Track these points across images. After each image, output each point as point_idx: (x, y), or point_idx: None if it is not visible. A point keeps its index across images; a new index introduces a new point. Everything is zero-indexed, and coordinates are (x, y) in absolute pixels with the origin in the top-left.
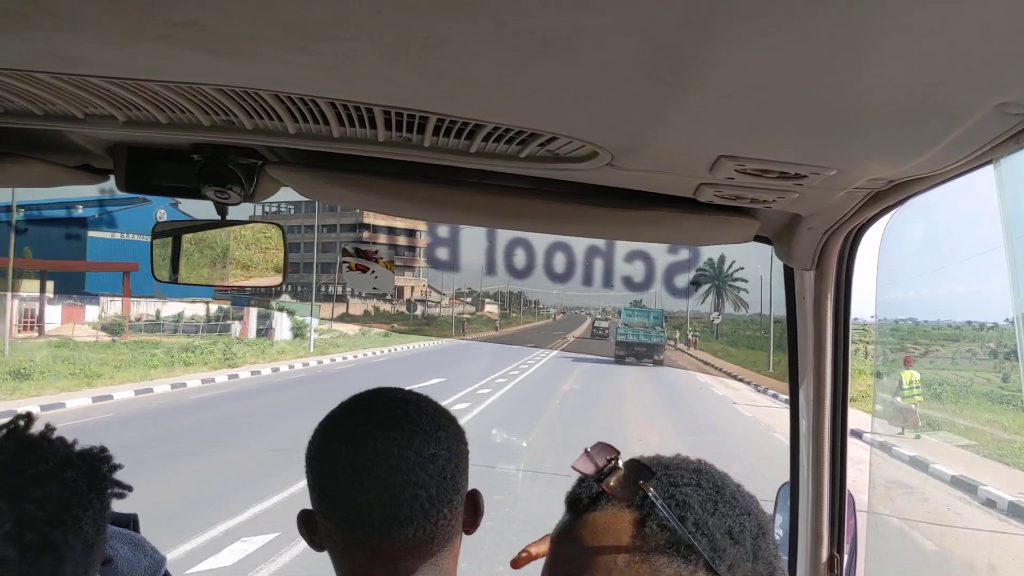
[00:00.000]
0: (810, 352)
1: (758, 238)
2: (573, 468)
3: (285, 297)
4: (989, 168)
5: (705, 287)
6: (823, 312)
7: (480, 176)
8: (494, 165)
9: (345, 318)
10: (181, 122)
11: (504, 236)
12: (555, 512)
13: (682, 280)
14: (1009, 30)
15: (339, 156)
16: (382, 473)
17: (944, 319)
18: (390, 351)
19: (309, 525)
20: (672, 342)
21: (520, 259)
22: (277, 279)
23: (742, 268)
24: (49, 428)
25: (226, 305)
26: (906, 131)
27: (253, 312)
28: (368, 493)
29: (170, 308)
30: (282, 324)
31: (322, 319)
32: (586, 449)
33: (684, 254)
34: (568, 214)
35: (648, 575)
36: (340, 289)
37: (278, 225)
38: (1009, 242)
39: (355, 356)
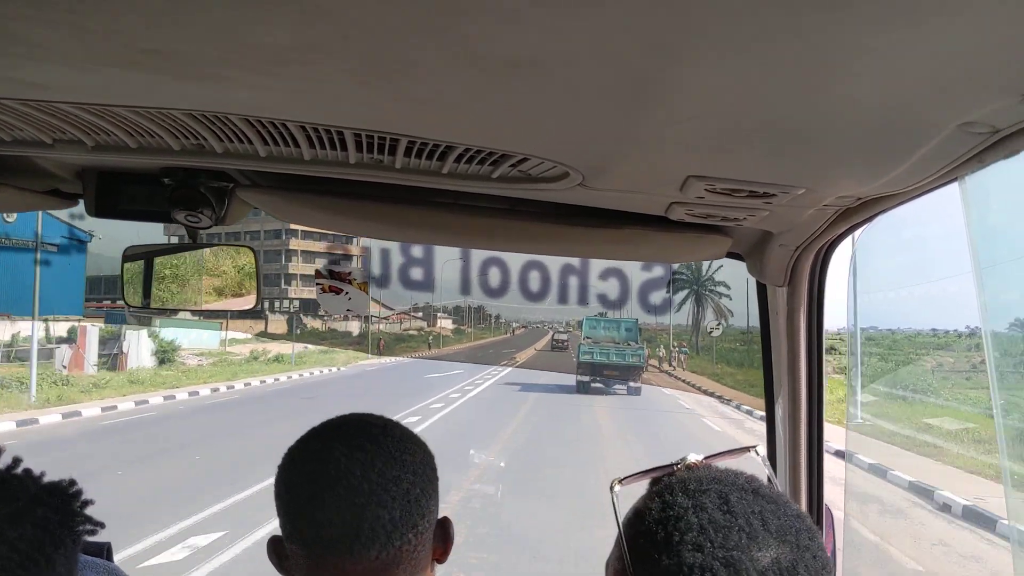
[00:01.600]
0: (784, 368)
1: (731, 255)
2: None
3: (186, 314)
4: (955, 185)
5: (682, 294)
6: (796, 328)
7: (453, 196)
8: (467, 186)
9: (263, 337)
10: (151, 146)
11: (454, 250)
12: None
13: (656, 296)
14: (971, 52)
15: (311, 178)
16: (343, 492)
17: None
18: (261, 382)
19: (278, 551)
20: (655, 361)
21: (478, 274)
22: (251, 302)
23: (721, 267)
24: (16, 461)
25: (99, 324)
26: (873, 150)
27: (94, 332)
28: (329, 511)
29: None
30: (140, 347)
31: (227, 341)
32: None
33: (658, 270)
34: (541, 234)
35: None
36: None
37: (250, 248)
38: (975, 257)
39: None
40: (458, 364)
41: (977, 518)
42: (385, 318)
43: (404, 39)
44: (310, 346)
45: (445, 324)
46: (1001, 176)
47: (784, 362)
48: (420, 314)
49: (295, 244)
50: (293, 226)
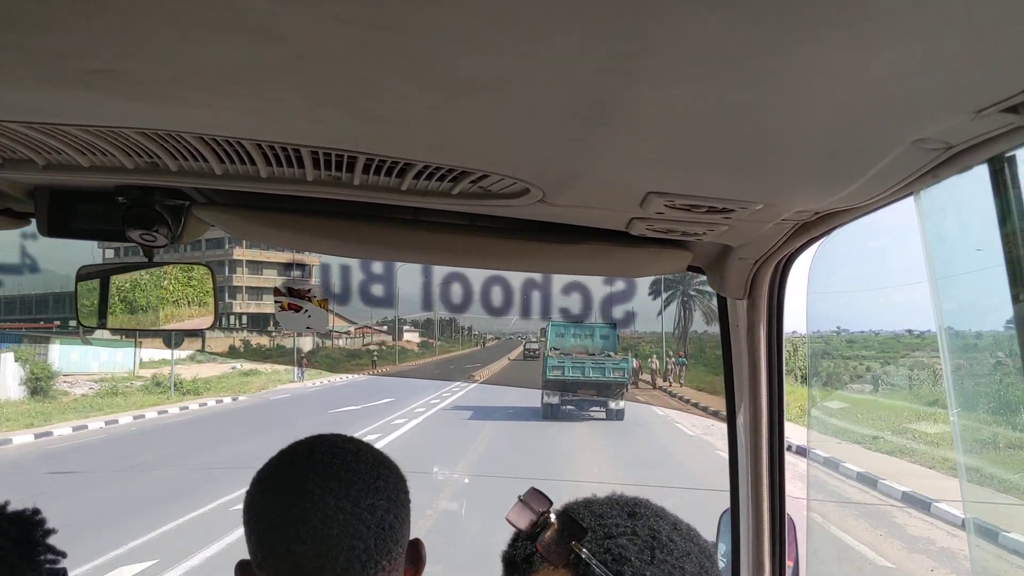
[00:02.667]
0: (745, 379)
1: (691, 268)
2: (507, 521)
3: (104, 333)
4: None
5: (665, 296)
6: (757, 340)
7: (413, 213)
8: (426, 202)
9: (200, 356)
10: (103, 165)
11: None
12: None
13: (621, 309)
14: (924, 70)
15: (268, 196)
16: (318, 524)
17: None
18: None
19: None
20: (648, 376)
21: (441, 288)
22: (208, 321)
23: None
24: None
25: None
26: (829, 167)
27: None
28: (304, 543)
29: None
30: (3, 374)
31: (143, 363)
32: (519, 497)
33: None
34: (502, 249)
35: None
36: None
37: (207, 266)
38: (931, 268)
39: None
40: (406, 384)
41: (913, 501)
42: (346, 333)
43: (360, 60)
44: (244, 365)
45: (411, 338)
46: (955, 190)
47: (745, 374)
48: (385, 328)
49: (239, 254)
50: None
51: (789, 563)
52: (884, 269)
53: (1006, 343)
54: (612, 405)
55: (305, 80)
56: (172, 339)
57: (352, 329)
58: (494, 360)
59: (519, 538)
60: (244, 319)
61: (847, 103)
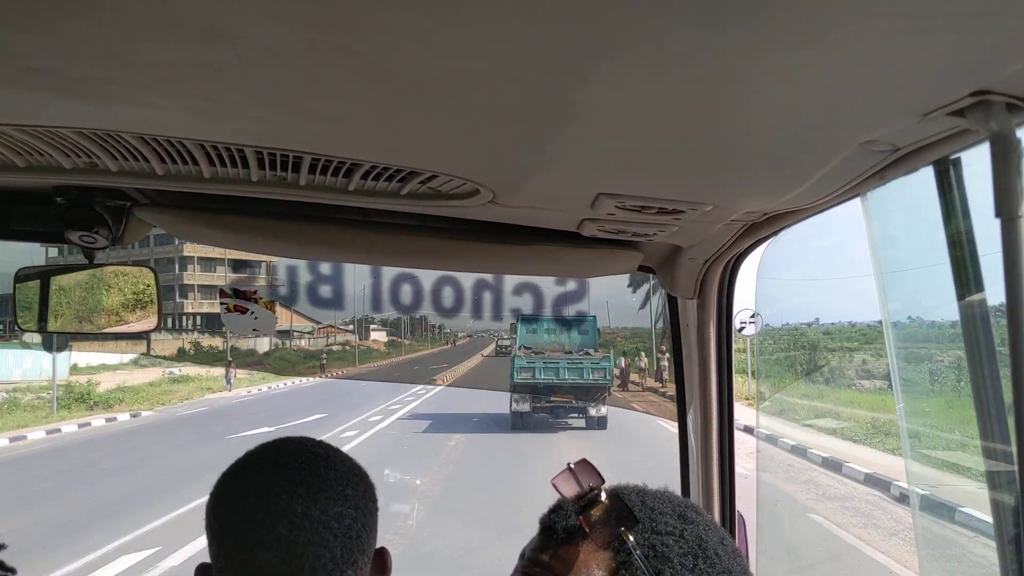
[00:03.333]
0: (695, 378)
1: (642, 268)
2: (552, 485)
3: (35, 337)
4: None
5: (652, 283)
6: (706, 339)
7: (363, 214)
8: (375, 203)
9: (144, 360)
10: (40, 165)
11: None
12: None
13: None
14: (871, 73)
15: (212, 196)
16: (284, 531)
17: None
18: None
19: None
20: (636, 376)
21: (408, 288)
22: (152, 323)
23: None
24: None
25: None
26: (778, 168)
27: None
28: (268, 551)
29: None
30: None
31: (82, 367)
32: (569, 465)
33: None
34: (453, 250)
35: None
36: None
37: (150, 268)
38: (878, 268)
39: None
40: (357, 391)
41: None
42: (308, 333)
43: (303, 59)
44: (184, 370)
45: (379, 337)
46: (902, 192)
47: (695, 372)
48: (351, 327)
49: (190, 250)
50: None
51: None
52: (831, 265)
53: (949, 339)
54: (592, 412)
55: (247, 79)
56: (54, 343)
57: (314, 329)
58: (465, 358)
59: (562, 507)
60: (197, 319)
61: (796, 106)
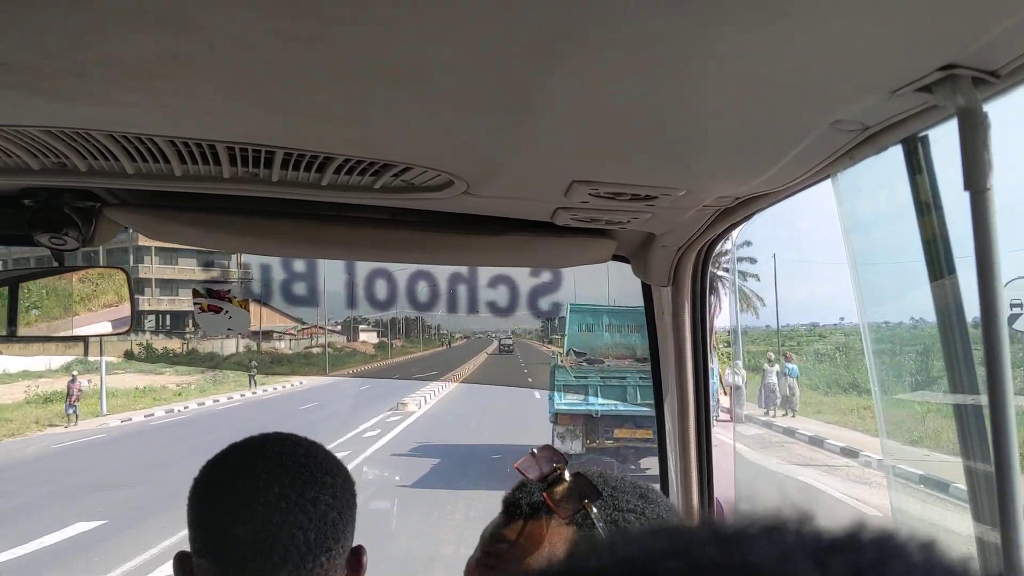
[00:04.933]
0: (672, 366)
1: (616, 257)
2: (516, 468)
3: None
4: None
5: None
6: (682, 326)
7: (337, 209)
8: (348, 197)
9: (78, 365)
10: (7, 166)
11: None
12: None
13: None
14: (839, 51)
15: (184, 194)
16: (260, 508)
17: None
18: None
19: (184, 568)
20: (725, 396)
21: (400, 286)
22: (125, 326)
23: (748, 244)
24: None
25: None
26: (748, 150)
27: None
28: (244, 528)
29: None
30: None
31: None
32: (532, 450)
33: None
34: (428, 243)
35: None
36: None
37: (122, 269)
38: (850, 250)
39: None
40: (308, 411)
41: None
42: (287, 333)
43: (274, 49)
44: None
45: (369, 338)
46: (871, 172)
47: (671, 360)
48: (339, 327)
49: (148, 240)
50: None
51: None
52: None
53: (920, 318)
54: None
55: (218, 71)
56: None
57: (299, 329)
58: (462, 362)
59: (526, 485)
60: (156, 319)
61: (766, 86)
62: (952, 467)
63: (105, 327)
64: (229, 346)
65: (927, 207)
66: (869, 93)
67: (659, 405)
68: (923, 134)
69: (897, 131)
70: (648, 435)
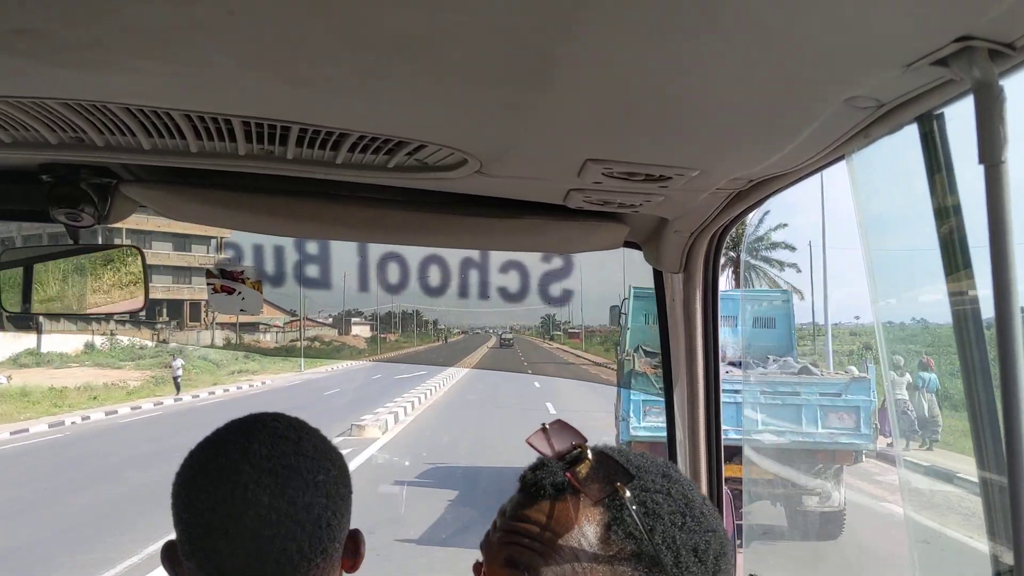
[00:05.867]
0: (682, 354)
1: (628, 244)
2: (529, 444)
3: None
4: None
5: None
6: (693, 313)
7: (350, 189)
8: (362, 176)
9: (25, 358)
10: (26, 140)
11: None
12: None
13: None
14: (853, 24)
15: (199, 172)
16: (250, 523)
17: None
18: None
19: (173, 559)
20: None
21: (395, 272)
22: (138, 304)
23: (784, 226)
24: None
25: None
26: (762, 128)
27: None
28: (234, 542)
29: None
30: None
31: None
32: (544, 425)
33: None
34: (439, 225)
35: None
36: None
37: (136, 247)
38: (864, 232)
39: None
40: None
41: None
42: (274, 325)
43: (291, 17)
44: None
45: (361, 331)
46: (886, 151)
47: (682, 347)
48: (330, 320)
49: (120, 222)
50: None
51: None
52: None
53: (935, 300)
54: (817, 502)
55: (236, 40)
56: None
57: (287, 322)
58: (456, 359)
59: (546, 464)
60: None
61: (780, 60)
62: None
63: (119, 306)
64: (204, 338)
65: (942, 187)
66: (884, 67)
67: (668, 395)
68: (938, 112)
69: (912, 107)
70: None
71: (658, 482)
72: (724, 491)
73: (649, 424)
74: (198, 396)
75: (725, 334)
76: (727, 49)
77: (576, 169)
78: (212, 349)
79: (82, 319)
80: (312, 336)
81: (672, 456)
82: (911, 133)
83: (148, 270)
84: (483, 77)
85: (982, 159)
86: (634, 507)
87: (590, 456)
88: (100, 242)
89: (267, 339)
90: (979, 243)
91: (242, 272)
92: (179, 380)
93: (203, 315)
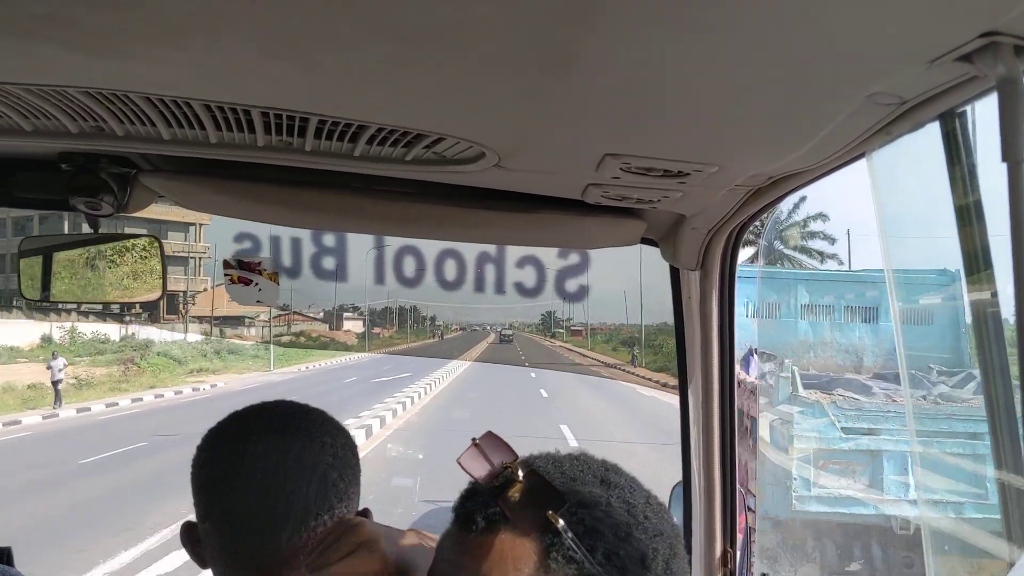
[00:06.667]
0: (698, 352)
1: (645, 240)
2: (460, 465)
3: None
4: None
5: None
6: (709, 311)
7: (367, 182)
8: (379, 169)
9: None
10: (47, 129)
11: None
12: None
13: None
14: (877, 18)
15: (218, 163)
16: (258, 475)
17: None
18: None
19: (192, 537)
20: None
21: (409, 266)
22: (156, 293)
23: (823, 217)
24: None
25: None
26: (783, 124)
27: None
28: (244, 496)
29: None
30: None
31: None
32: (474, 440)
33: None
34: (456, 218)
35: None
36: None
37: (154, 237)
38: (883, 230)
39: None
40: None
41: None
42: (256, 319)
43: (314, 5)
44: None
45: (354, 327)
46: (907, 150)
47: (698, 346)
48: (321, 315)
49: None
50: None
51: (739, 535)
52: None
53: (951, 295)
54: None
55: (258, 29)
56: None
57: (272, 316)
58: (452, 355)
59: (477, 491)
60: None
61: (802, 55)
62: None
63: (136, 296)
64: (178, 331)
65: (963, 186)
66: (907, 63)
67: (683, 392)
68: (961, 110)
69: (935, 105)
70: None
71: (596, 493)
72: (738, 491)
73: (828, 489)
74: (116, 404)
75: (825, 330)
76: (749, 44)
77: (595, 164)
78: (175, 345)
79: (99, 307)
80: (297, 331)
81: (686, 455)
82: (932, 131)
83: (166, 258)
84: (504, 69)
85: (1005, 157)
86: (569, 534)
87: (520, 477)
88: (120, 230)
89: (251, 334)
90: (1001, 245)
91: (259, 263)
92: (59, 386)
93: (180, 307)
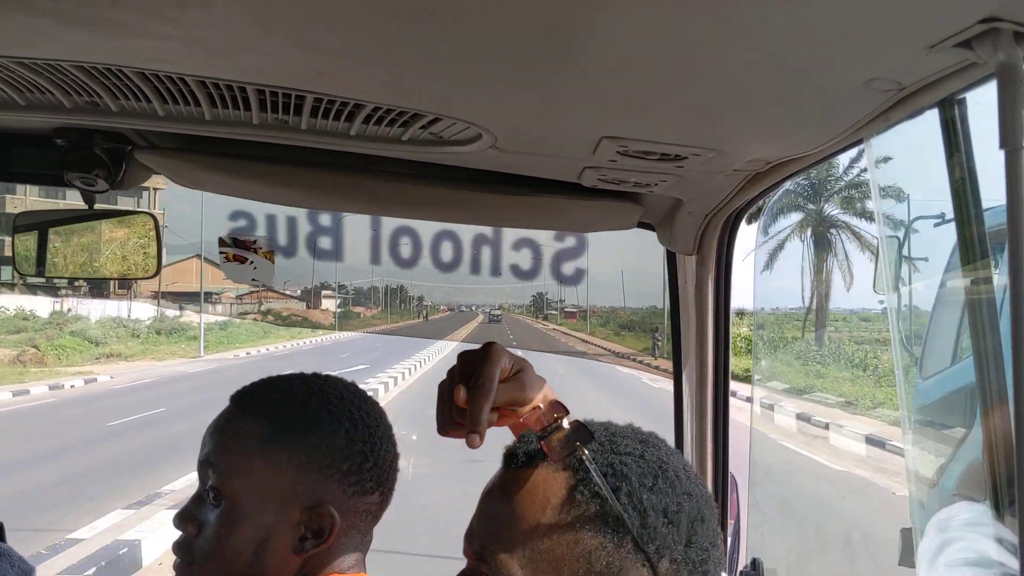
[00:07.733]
0: (692, 337)
1: (642, 224)
2: (523, 421)
3: None
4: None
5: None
6: (704, 296)
7: (364, 162)
8: (376, 149)
9: None
10: (41, 104)
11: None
12: None
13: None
14: (879, 4)
15: (213, 140)
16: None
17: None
18: None
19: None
20: None
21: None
22: (151, 270)
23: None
24: None
25: None
26: (781, 109)
27: None
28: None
29: None
30: None
31: None
32: (538, 404)
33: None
34: (452, 200)
35: (570, 544)
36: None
37: (150, 214)
38: (879, 216)
39: None
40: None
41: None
42: (219, 295)
43: None
44: None
45: (331, 306)
46: (904, 137)
47: (693, 330)
48: (298, 293)
49: None
50: None
51: (731, 520)
52: None
53: (946, 283)
54: None
55: (252, 3)
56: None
57: (242, 293)
58: (438, 335)
59: (525, 435)
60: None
61: (800, 39)
62: None
63: (133, 271)
64: (137, 309)
65: (961, 173)
66: (906, 48)
67: (677, 376)
68: (959, 97)
69: (933, 91)
70: None
71: (631, 446)
72: (731, 475)
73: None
74: None
75: None
76: (747, 27)
77: (592, 146)
78: (106, 323)
79: (94, 283)
80: (265, 309)
81: (679, 438)
82: (930, 118)
83: (162, 236)
84: (501, 49)
85: (1003, 144)
86: (594, 466)
87: (566, 425)
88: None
89: (217, 311)
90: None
91: (255, 242)
92: None
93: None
